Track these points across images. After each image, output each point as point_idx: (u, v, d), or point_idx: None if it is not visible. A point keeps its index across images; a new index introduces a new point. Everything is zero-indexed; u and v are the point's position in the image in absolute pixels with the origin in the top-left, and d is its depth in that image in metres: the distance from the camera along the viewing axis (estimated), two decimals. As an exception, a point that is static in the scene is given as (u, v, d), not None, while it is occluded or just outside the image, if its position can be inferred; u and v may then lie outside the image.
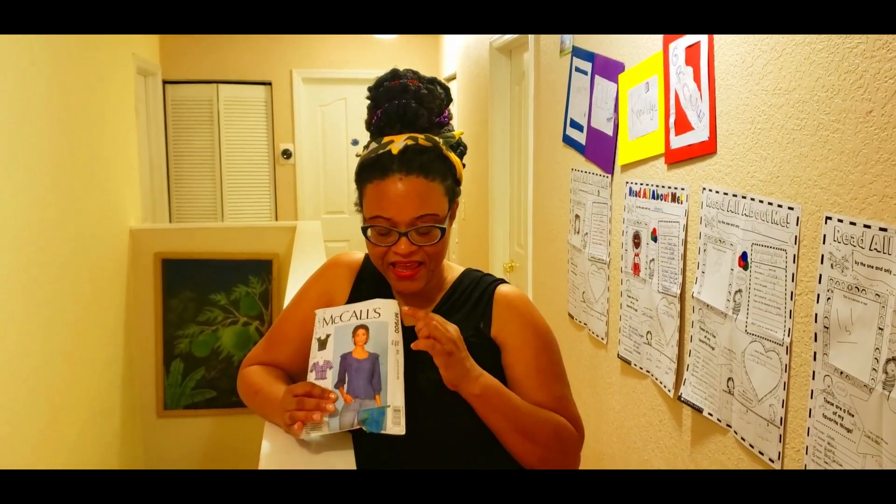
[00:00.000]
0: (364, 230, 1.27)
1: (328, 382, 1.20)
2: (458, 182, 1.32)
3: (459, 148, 1.33)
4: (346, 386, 1.19)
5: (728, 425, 1.80)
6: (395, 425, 1.16)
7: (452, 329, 1.20)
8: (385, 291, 1.35)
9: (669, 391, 2.10)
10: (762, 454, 1.66)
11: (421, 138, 1.25)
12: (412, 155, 1.22)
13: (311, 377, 1.22)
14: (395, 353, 1.21)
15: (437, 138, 1.27)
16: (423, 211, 1.22)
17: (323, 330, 1.25)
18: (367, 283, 1.37)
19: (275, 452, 1.19)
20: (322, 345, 1.24)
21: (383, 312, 1.25)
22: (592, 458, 2.68)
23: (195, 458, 4.12)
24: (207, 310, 4.09)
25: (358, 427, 1.16)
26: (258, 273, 4.13)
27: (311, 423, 1.15)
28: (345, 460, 1.15)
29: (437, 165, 1.25)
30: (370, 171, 1.24)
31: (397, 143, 1.24)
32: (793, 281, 1.55)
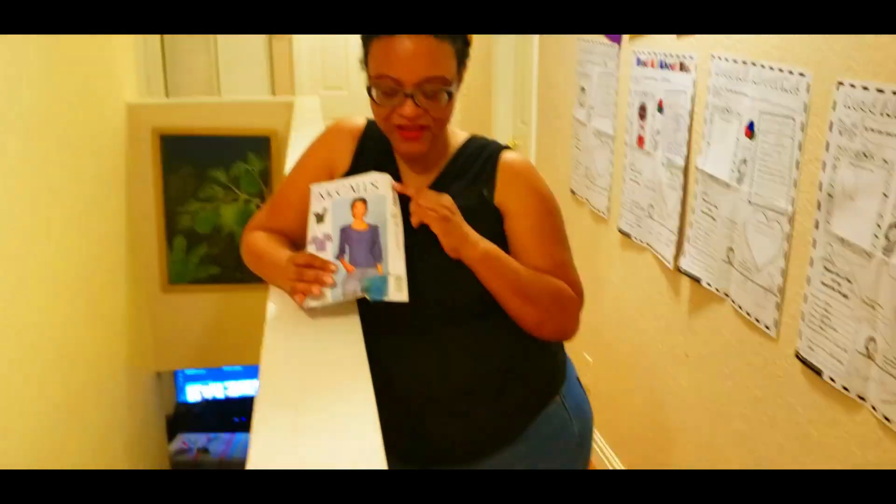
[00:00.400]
0: (369, 88, 1.24)
1: (328, 254, 1.21)
2: (467, 44, 1.29)
3: None
4: (346, 256, 1.20)
5: (726, 294, 1.83)
6: (397, 292, 1.17)
7: (445, 198, 1.21)
8: (388, 159, 1.34)
9: (669, 263, 2.12)
10: (758, 321, 1.70)
11: None
12: None
13: (311, 250, 1.22)
14: (394, 225, 1.22)
15: None
16: (432, 72, 1.19)
17: (320, 204, 1.25)
18: (370, 149, 1.35)
19: (280, 318, 1.21)
20: (320, 219, 1.24)
21: (381, 185, 1.24)
22: (590, 330, 2.74)
23: (202, 331, 4.22)
24: (208, 186, 4.08)
25: (361, 295, 1.18)
26: (256, 150, 4.09)
27: (312, 295, 1.17)
28: (350, 328, 1.17)
29: None
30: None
31: None
32: (799, 150, 1.54)
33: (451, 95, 1.23)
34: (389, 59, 1.19)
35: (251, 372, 5.36)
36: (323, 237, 1.23)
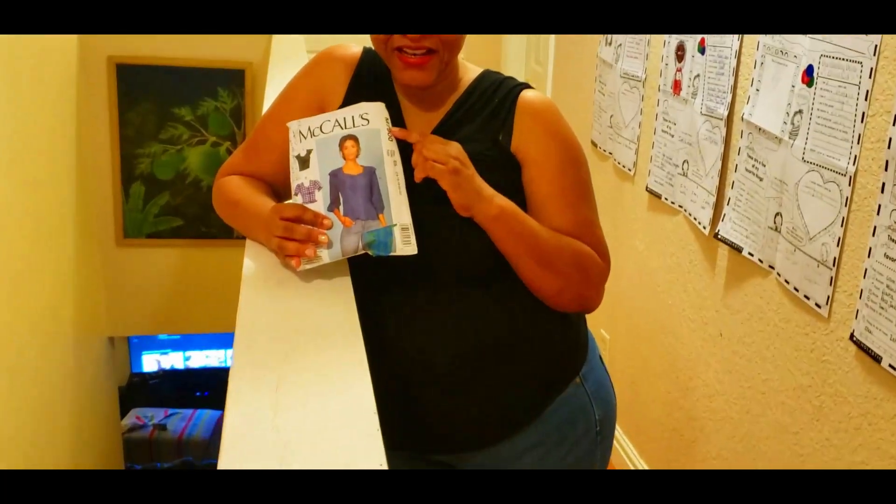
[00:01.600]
0: None
1: (320, 205, 1.19)
2: None
3: None
4: (341, 207, 1.18)
5: (771, 266, 1.81)
6: (405, 245, 1.17)
7: (453, 147, 1.19)
8: (387, 94, 1.31)
9: (704, 228, 2.10)
10: (808, 298, 1.68)
11: None
12: None
13: (298, 201, 1.20)
14: (392, 164, 1.20)
15: None
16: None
17: (302, 145, 1.23)
18: (366, 81, 1.33)
19: (259, 276, 1.19)
20: (304, 163, 1.22)
21: (372, 117, 1.22)
22: (609, 303, 2.73)
23: (161, 293, 4.20)
24: (170, 126, 4.03)
25: (363, 252, 1.17)
26: (228, 85, 4.04)
27: (305, 257, 1.15)
28: (341, 289, 1.16)
29: None
30: None
31: None
32: (866, 100, 1.50)
33: None
34: None
35: (217, 340, 5.36)
36: (310, 185, 1.20)
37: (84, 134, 3.81)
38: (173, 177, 4.08)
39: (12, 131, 2.72)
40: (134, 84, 3.93)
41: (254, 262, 1.22)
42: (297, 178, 1.22)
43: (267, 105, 2.57)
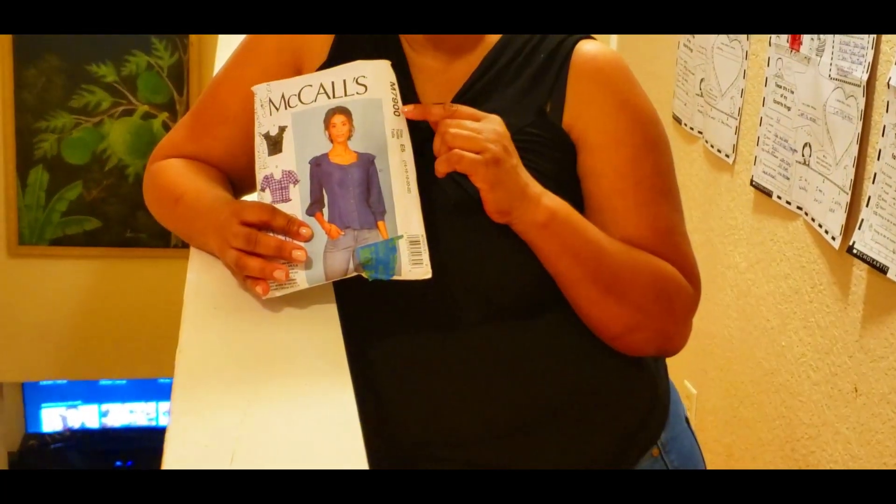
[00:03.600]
0: None
1: (296, 206, 1.20)
2: None
3: None
4: (326, 210, 1.19)
5: (929, 294, 1.80)
6: (414, 265, 1.17)
7: (492, 124, 1.19)
8: (391, 40, 1.33)
9: (834, 239, 2.09)
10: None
11: None
12: None
13: (266, 198, 1.21)
14: (399, 150, 1.21)
15: None
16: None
17: (272, 120, 1.24)
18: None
19: (206, 299, 1.20)
20: (274, 145, 1.23)
21: (372, 82, 1.22)
22: (694, 344, 2.72)
23: (69, 323, 4.21)
24: (85, 90, 4.06)
25: (354, 274, 1.17)
26: (167, 35, 4.06)
27: (276, 282, 1.16)
28: (324, 322, 1.16)
29: None
30: None
31: None
32: None
33: None
34: None
35: (146, 389, 5.37)
36: (283, 177, 1.21)
37: (-35, 99, 3.84)
38: (88, 161, 4.10)
39: None
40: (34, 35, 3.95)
41: (200, 279, 1.23)
42: (265, 166, 1.22)
43: (220, 63, 2.58)
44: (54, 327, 4.20)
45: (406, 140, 1.21)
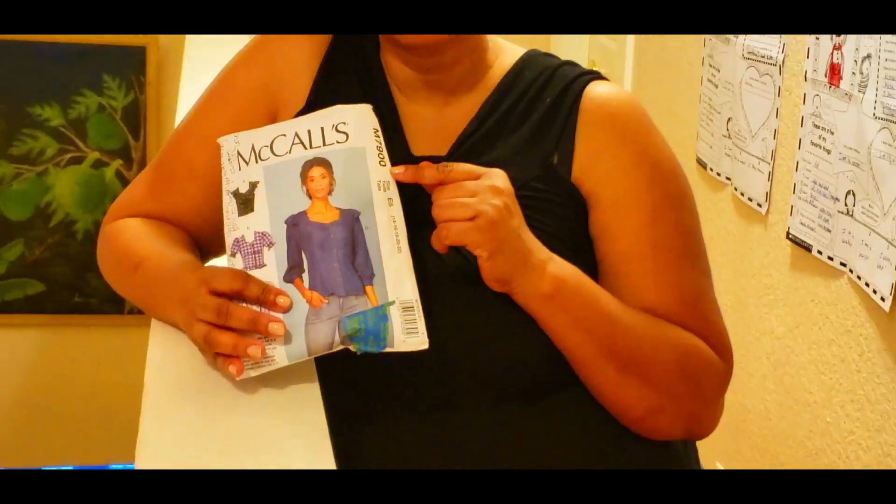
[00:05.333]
0: None
1: (271, 272, 1.20)
2: None
3: None
4: (306, 276, 1.19)
5: None
6: (409, 335, 1.16)
7: (494, 179, 1.20)
8: (379, 84, 1.35)
9: (884, 300, 2.09)
10: None
11: None
12: None
13: (238, 264, 1.21)
14: (386, 205, 1.21)
15: None
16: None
17: (241, 175, 1.24)
18: (347, 68, 1.36)
19: (169, 376, 1.20)
20: (245, 203, 1.23)
21: (353, 129, 1.23)
22: (732, 416, 2.71)
23: (9, 401, 4.20)
24: (27, 135, 4.07)
25: (341, 347, 1.17)
26: (120, 70, 4.10)
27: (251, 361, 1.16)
28: (306, 405, 1.16)
29: None
30: None
31: None
32: None
33: None
34: None
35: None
36: (256, 240, 1.21)
37: None
38: (31, 216, 4.11)
39: None
40: (-29, 68, 3.98)
41: (163, 358, 1.23)
42: (236, 227, 1.22)
43: (183, 104, 2.60)
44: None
45: (394, 192, 1.21)
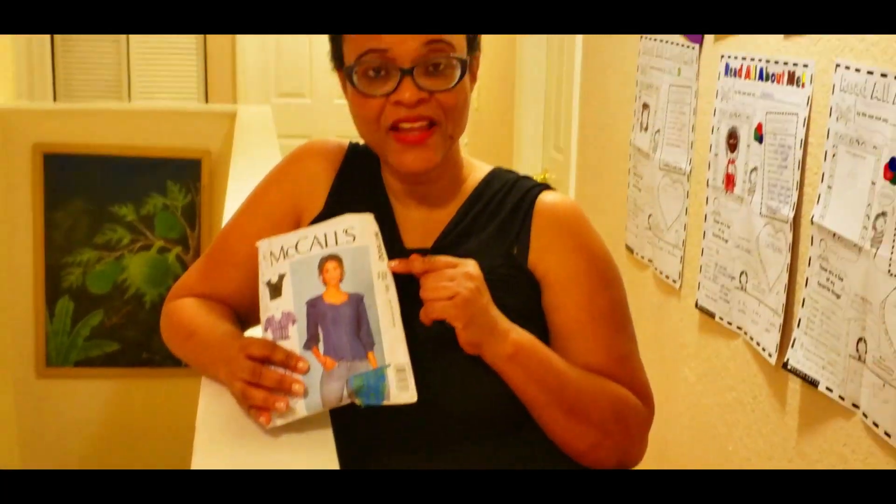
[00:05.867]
0: (348, 72, 1.25)
1: (294, 343, 1.19)
2: None
3: None
4: (321, 345, 1.19)
5: (855, 405, 1.80)
6: (401, 391, 1.16)
7: (468, 267, 1.20)
8: (379, 194, 1.34)
9: (770, 356, 2.09)
10: (904, 446, 1.66)
11: None
12: None
13: (268, 336, 1.22)
14: (384, 290, 1.21)
15: None
16: (434, 36, 1.21)
17: (273, 269, 1.24)
18: (354, 185, 1.36)
19: (217, 426, 1.19)
20: (275, 290, 1.23)
21: (359, 233, 1.23)
22: (654, 448, 2.70)
23: (91, 436, 4.15)
24: (108, 228, 4.07)
25: (348, 401, 1.16)
26: (181, 178, 4.10)
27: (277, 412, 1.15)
28: (321, 445, 1.15)
29: None
30: None
31: None
32: (964, 200, 1.52)
33: (464, 67, 1.24)
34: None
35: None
36: (283, 318, 1.21)
37: (1, 238, 3.84)
38: (109, 290, 4.10)
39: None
40: (64, 177, 3.98)
41: (211, 407, 1.22)
42: (268, 309, 1.22)
43: (229, 203, 2.60)
44: (77, 443, 4.15)
45: (390, 281, 1.21)
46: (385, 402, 1.16)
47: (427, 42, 1.21)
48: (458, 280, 1.18)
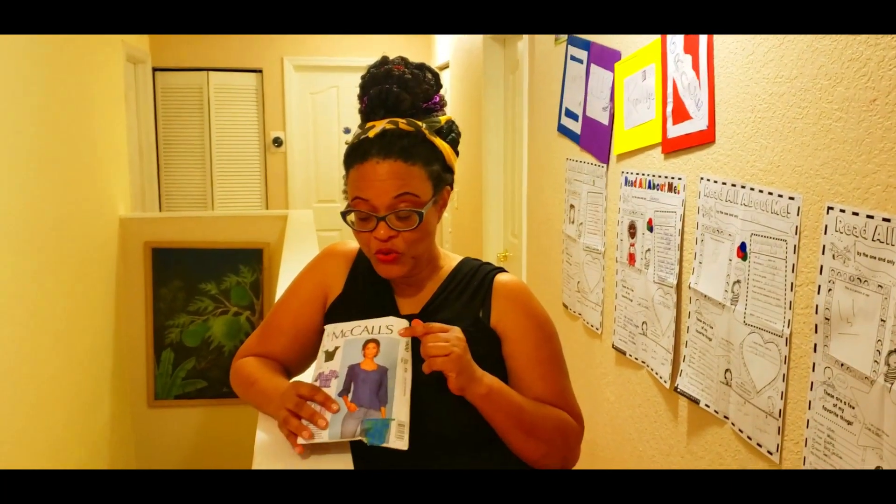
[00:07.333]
0: (344, 215, 1.26)
1: (332, 390, 1.18)
2: (447, 169, 1.31)
3: (451, 134, 1.33)
4: (350, 394, 1.17)
5: (725, 417, 1.79)
6: (398, 439, 1.13)
7: (457, 332, 1.20)
8: (381, 282, 1.34)
9: (665, 382, 2.08)
10: (760, 446, 1.65)
11: (402, 122, 1.25)
12: (391, 139, 1.22)
13: (316, 383, 1.20)
14: (403, 371, 1.20)
15: (419, 123, 1.26)
16: (402, 190, 1.21)
17: (332, 342, 1.24)
18: (363, 273, 1.36)
19: (269, 445, 1.18)
20: (329, 356, 1.23)
21: (395, 329, 1.23)
22: (586, 449, 2.67)
23: (186, 449, 4.10)
24: (198, 299, 4.07)
25: (359, 437, 1.14)
26: (249, 262, 4.11)
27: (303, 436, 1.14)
28: (341, 456, 1.14)
29: (420, 150, 1.24)
30: (352, 156, 1.25)
31: (377, 127, 1.24)
32: (793, 272, 1.53)
33: (421, 217, 1.23)
34: (362, 183, 1.22)
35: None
36: (329, 373, 1.20)
37: (122, 309, 3.83)
38: (199, 343, 4.08)
39: (61, 308, 2.73)
40: (166, 264, 3.99)
41: (265, 434, 1.21)
42: (321, 367, 1.22)
43: (282, 278, 2.61)
44: (177, 452, 4.09)
45: (409, 365, 1.20)
46: (384, 445, 1.13)
47: (397, 196, 1.21)
48: (451, 341, 1.17)
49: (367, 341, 1.22)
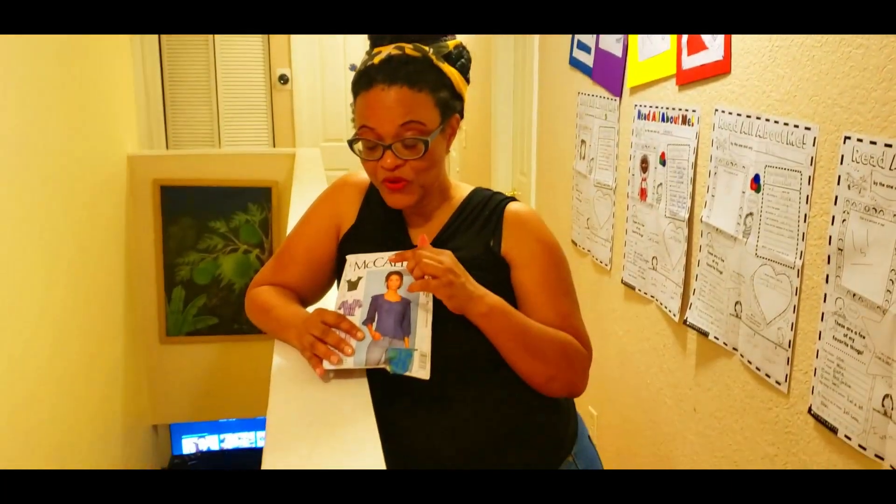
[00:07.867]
0: (351, 143, 1.25)
1: (356, 319, 1.18)
2: (456, 96, 1.28)
3: (461, 60, 1.29)
4: (374, 324, 1.17)
5: (734, 349, 1.81)
6: (420, 368, 1.14)
7: (446, 257, 1.18)
8: (393, 212, 1.33)
9: (675, 316, 2.10)
10: (769, 377, 1.67)
11: (408, 48, 1.22)
12: (397, 65, 1.20)
13: (340, 311, 1.20)
14: (425, 303, 1.20)
15: (426, 48, 1.23)
16: (408, 118, 1.19)
17: (354, 273, 1.24)
18: (376, 203, 1.35)
19: (286, 370, 1.18)
20: (352, 286, 1.22)
21: None
22: (595, 383, 2.69)
23: (198, 384, 4.16)
24: (207, 237, 4.07)
25: (382, 366, 1.14)
26: (257, 200, 4.10)
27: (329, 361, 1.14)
28: (357, 384, 1.15)
29: (427, 76, 1.21)
30: (358, 83, 1.23)
31: (383, 53, 1.22)
32: (807, 203, 1.53)
33: (427, 145, 1.21)
34: (367, 111, 1.21)
35: (247, 424, 5.28)
36: (353, 302, 1.20)
37: (132, 246, 3.85)
38: (209, 281, 4.10)
39: (72, 247, 2.75)
40: (175, 202, 3.99)
41: (282, 358, 1.22)
42: (344, 296, 1.22)
43: (291, 217, 2.61)
44: (189, 388, 4.16)
45: (430, 299, 1.20)
46: (406, 373, 1.14)
47: (402, 123, 1.19)
48: (440, 263, 1.15)
49: (391, 273, 1.21)
